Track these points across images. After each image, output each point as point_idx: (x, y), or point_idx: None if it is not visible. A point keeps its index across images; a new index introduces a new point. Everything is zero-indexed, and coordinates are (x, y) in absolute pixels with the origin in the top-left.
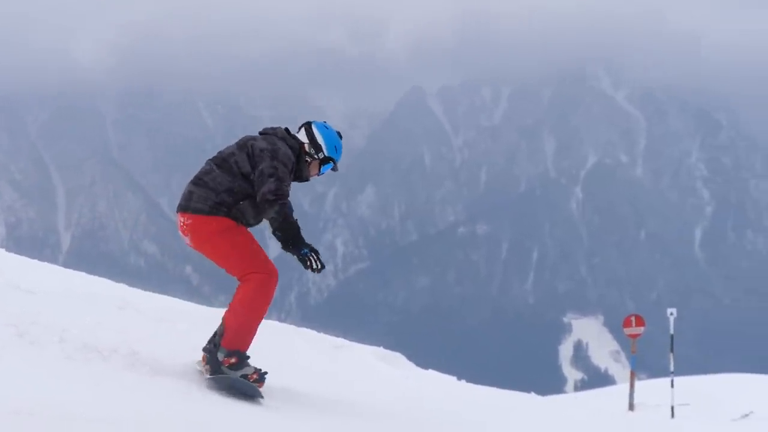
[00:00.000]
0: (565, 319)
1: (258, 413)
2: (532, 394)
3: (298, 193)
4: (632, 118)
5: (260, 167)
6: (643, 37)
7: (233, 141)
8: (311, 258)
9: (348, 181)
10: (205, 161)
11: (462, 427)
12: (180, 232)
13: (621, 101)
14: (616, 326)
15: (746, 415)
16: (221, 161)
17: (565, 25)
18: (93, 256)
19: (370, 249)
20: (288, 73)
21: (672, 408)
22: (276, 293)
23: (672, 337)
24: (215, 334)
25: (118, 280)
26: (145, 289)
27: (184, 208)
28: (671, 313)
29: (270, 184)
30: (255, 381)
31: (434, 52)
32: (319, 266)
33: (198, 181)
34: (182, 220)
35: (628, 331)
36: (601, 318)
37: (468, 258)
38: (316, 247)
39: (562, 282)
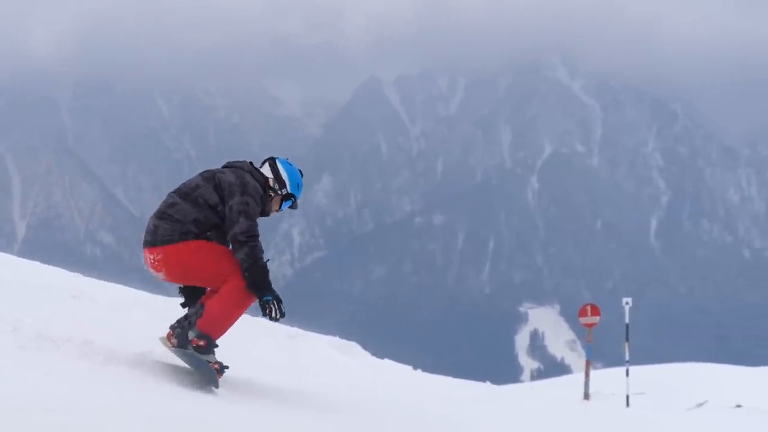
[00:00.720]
0: (522, 309)
1: (212, 403)
2: (487, 383)
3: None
4: (588, 108)
5: (230, 203)
6: (600, 28)
7: (188, 130)
8: (272, 306)
9: (304, 170)
10: (167, 194)
11: (417, 416)
12: (150, 270)
13: (577, 91)
14: (572, 316)
15: (701, 404)
16: (185, 194)
17: (522, 15)
18: (48, 245)
19: (326, 238)
20: (244, 63)
21: (627, 397)
22: None
23: (627, 326)
24: (188, 315)
25: (73, 270)
26: (101, 279)
27: (151, 243)
28: (626, 303)
29: (242, 224)
30: (215, 371)
31: (392, 41)
32: (279, 315)
33: (162, 215)
34: (151, 257)
35: (583, 320)
36: (557, 307)
37: (424, 248)
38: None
39: (519, 272)
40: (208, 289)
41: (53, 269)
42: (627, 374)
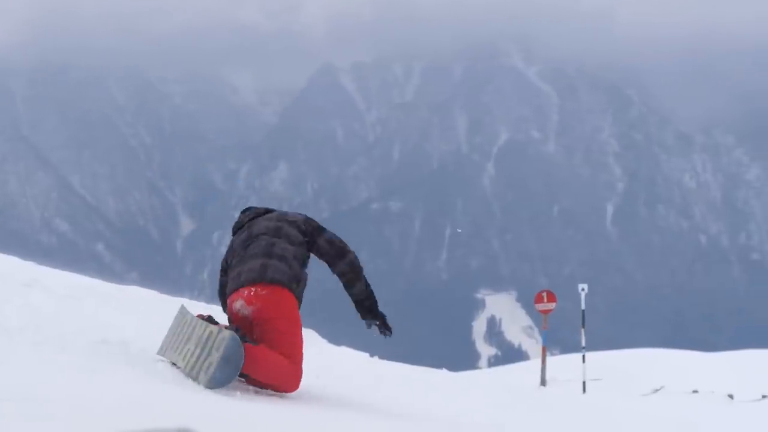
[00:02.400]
0: (479, 295)
1: (168, 391)
2: (444, 370)
3: (209, 167)
4: (544, 94)
5: (325, 236)
6: (555, 13)
7: (144, 117)
8: (388, 325)
9: (260, 157)
10: (248, 240)
11: (374, 404)
12: (239, 301)
13: (532, 77)
14: (529, 302)
15: (657, 390)
16: (275, 231)
17: (477, 2)
18: (3, 234)
19: None
20: (200, 50)
21: (584, 383)
22: (188, 270)
23: (583, 312)
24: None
25: (28, 259)
26: (56, 268)
27: (257, 279)
28: (582, 289)
29: (351, 253)
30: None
31: (347, 28)
32: (391, 332)
33: (270, 254)
34: (253, 291)
35: (539, 306)
36: (514, 294)
37: (381, 234)
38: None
39: (475, 258)
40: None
41: (6, 258)
42: (583, 360)
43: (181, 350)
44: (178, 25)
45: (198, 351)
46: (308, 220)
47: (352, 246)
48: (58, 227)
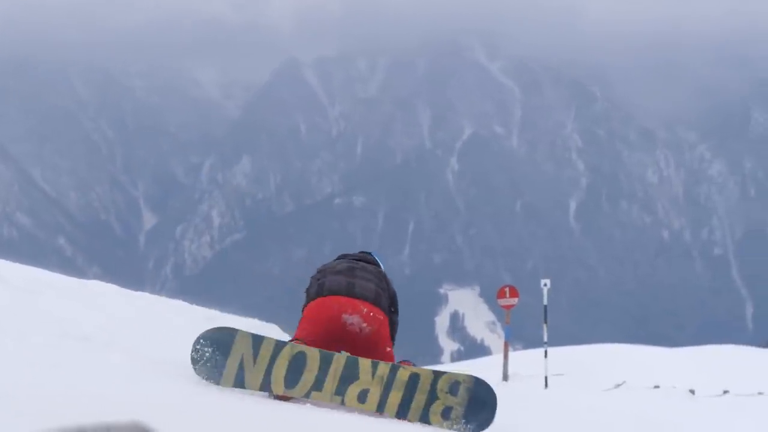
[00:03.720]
0: (442, 291)
1: (127, 385)
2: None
3: (172, 161)
4: (507, 90)
5: (395, 319)
6: (518, 9)
7: (106, 111)
8: None
9: (223, 151)
10: (355, 264)
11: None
12: (356, 317)
13: (496, 73)
14: (492, 297)
15: (619, 385)
16: (378, 274)
17: None
18: None
19: (246, 220)
20: (163, 43)
21: (546, 378)
22: (151, 265)
23: (545, 307)
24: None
25: None
26: (17, 261)
27: (374, 302)
28: (545, 284)
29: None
30: None
31: (313, 22)
32: None
33: (379, 283)
34: (372, 313)
35: (502, 302)
36: (477, 289)
37: (344, 229)
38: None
39: (438, 253)
40: None
41: None
42: (545, 355)
43: (340, 391)
44: (141, 18)
45: (401, 395)
46: (396, 299)
47: (314, 241)
48: (18, 220)
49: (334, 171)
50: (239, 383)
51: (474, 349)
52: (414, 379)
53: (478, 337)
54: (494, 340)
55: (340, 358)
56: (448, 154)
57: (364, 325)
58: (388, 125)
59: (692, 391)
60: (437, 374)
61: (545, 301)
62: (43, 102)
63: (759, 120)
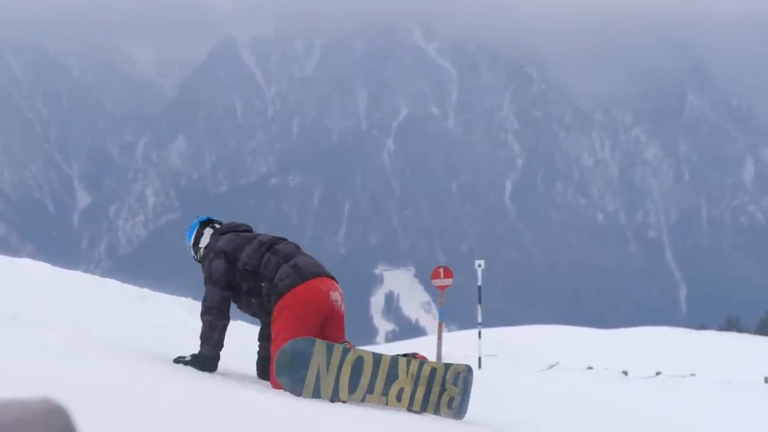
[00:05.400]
0: (377, 271)
1: (55, 365)
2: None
3: (106, 139)
4: (444, 71)
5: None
6: None
7: (41, 89)
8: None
9: (158, 130)
10: (276, 239)
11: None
12: (334, 295)
13: (432, 54)
14: (427, 278)
15: (552, 366)
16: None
17: None
18: None
19: (181, 199)
20: (100, 22)
21: (479, 359)
22: (85, 244)
23: (480, 288)
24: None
25: None
26: None
27: (334, 278)
28: (479, 265)
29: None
30: None
31: (250, 1)
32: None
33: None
34: (340, 295)
35: (436, 282)
36: (412, 269)
37: (279, 209)
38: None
39: (374, 233)
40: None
41: None
42: (479, 336)
43: (387, 391)
44: None
45: (422, 389)
46: None
47: (250, 221)
48: None
49: (270, 151)
50: (316, 393)
51: (409, 329)
52: (433, 373)
53: (413, 318)
54: (429, 320)
55: (386, 359)
56: (385, 134)
57: (341, 303)
58: (325, 105)
59: (625, 372)
60: (447, 366)
61: (479, 282)
62: None
63: (694, 103)
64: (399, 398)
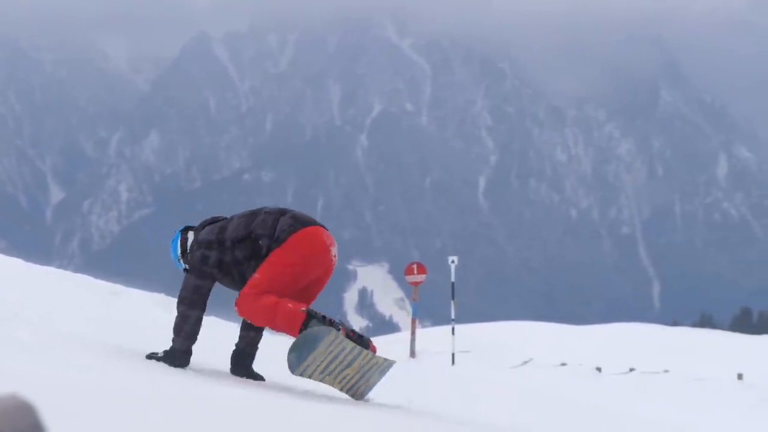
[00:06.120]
0: (350, 267)
1: (25, 360)
2: None
3: (80, 135)
4: (417, 67)
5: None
6: None
7: (13, 84)
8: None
9: (132, 126)
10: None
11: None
12: (333, 249)
13: (406, 50)
14: (401, 274)
15: (526, 362)
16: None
17: None
18: None
19: (154, 195)
20: (74, 17)
21: (453, 355)
22: (58, 239)
23: (453, 285)
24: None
25: None
26: None
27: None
28: (452, 261)
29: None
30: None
31: None
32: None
33: None
34: (335, 245)
35: (409, 278)
36: (385, 266)
37: (252, 205)
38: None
39: (348, 229)
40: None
41: None
42: (453, 333)
43: (338, 375)
44: None
45: (357, 377)
46: None
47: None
48: None
49: (243, 147)
50: (305, 374)
51: (383, 325)
52: (372, 364)
53: (387, 314)
54: (403, 316)
55: (368, 356)
56: (358, 131)
57: (334, 256)
58: (298, 101)
59: (599, 369)
60: (383, 361)
61: (453, 278)
62: None
63: (667, 99)
64: (341, 381)
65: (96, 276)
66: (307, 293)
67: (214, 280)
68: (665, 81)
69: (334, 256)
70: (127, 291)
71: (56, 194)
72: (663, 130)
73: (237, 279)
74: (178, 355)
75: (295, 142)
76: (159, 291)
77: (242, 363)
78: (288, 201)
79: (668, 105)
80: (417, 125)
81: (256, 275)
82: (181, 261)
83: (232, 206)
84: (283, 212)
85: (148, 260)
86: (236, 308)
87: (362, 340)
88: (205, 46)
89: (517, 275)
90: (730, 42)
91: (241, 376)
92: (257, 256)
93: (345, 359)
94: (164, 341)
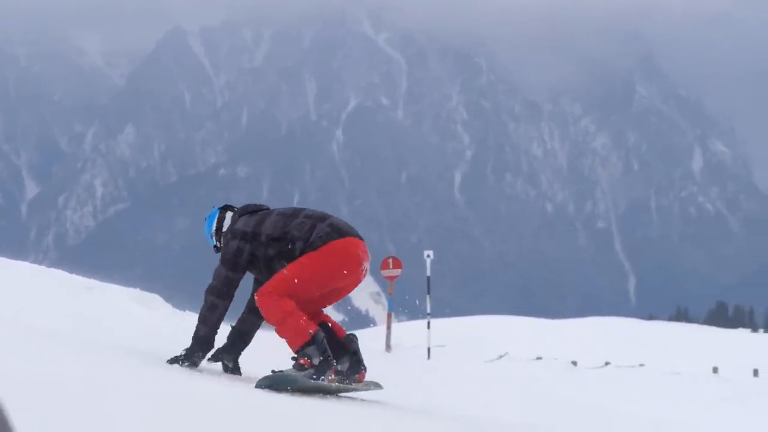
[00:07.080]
0: None
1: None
2: None
3: (55, 129)
4: (393, 62)
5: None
6: None
7: None
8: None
9: (107, 120)
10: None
11: (215, 369)
12: (365, 264)
13: (382, 44)
14: (377, 268)
15: (501, 356)
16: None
17: None
18: None
19: (129, 190)
20: (48, 11)
21: (428, 349)
22: (33, 234)
23: (428, 279)
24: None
25: None
26: None
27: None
28: (428, 256)
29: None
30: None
31: None
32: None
33: None
34: (368, 259)
35: (385, 273)
36: None
37: (228, 199)
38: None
39: None
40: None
41: None
42: (428, 327)
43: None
44: None
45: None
46: None
47: (199, 211)
48: None
49: (219, 141)
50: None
51: (358, 320)
52: (363, 388)
53: (363, 308)
54: (379, 311)
55: (348, 388)
56: (334, 125)
57: (365, 263)
58: (274, 96)
59: (574, 363)
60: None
61: (428, 273)
62: None
63: (643, 94)
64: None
65: (71, 271)
66: (329, 297)
67: (245, 272)
68: (641, 75)
69: (365, 269)
70: (103, 286)
71: (31, 189)
72: (638, 124)
73: (265, 272)
74: (202, 342)
75: (270, 136)
76: (134, 286)
77: (236, 347)
78: (264, 196)
79: (644, 99)
80: (393, 120)
81: (285, 271)
82: (213, 237)
83: (208, 201)
84: (323, 218)
85: (123, 255)
86: (257, 297)
87: (352, 371)
88: (180, 40)
89: (493, 270)
90: (709, 36)
91: (227, 362)
92: (290, 257)
93: (321, 392)
94: (140, 336)
